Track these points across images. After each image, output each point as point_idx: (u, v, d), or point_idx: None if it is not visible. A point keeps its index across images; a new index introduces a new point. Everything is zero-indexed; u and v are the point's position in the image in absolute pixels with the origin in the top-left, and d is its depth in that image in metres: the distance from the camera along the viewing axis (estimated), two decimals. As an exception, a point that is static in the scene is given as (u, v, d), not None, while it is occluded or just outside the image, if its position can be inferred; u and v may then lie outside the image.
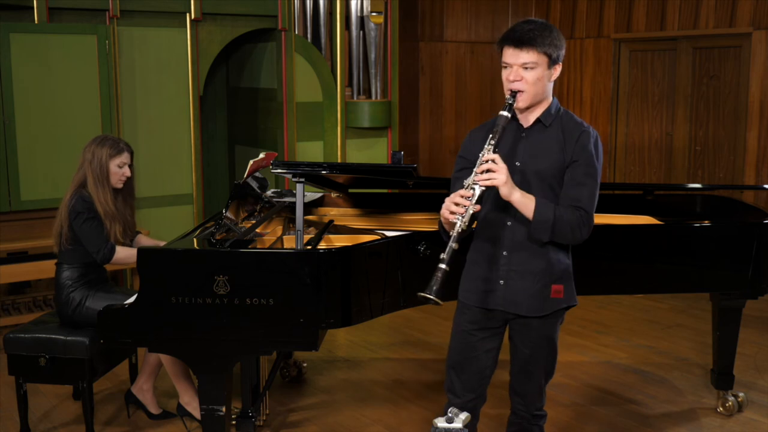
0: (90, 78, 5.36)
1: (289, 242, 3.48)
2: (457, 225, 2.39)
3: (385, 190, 4.91)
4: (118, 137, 3.84)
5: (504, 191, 2.43)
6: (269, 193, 4.07)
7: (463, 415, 2.04)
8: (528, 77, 2.50)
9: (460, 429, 2.01)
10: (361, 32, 6.70)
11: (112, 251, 3.58)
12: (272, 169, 3.29)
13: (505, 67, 2.54)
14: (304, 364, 4.43)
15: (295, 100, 6.40)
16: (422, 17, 8.01)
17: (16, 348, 3.53)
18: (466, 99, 8.13)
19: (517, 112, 2.60)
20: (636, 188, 4.87)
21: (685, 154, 7.09)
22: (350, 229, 3.72)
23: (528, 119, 2.61)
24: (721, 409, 3.96)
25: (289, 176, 3.31)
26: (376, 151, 6.85)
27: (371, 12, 6.61)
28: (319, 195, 4.23)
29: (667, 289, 3.91)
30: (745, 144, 6.62)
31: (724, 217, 4.11)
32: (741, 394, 4.00)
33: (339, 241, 3.47)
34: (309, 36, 6.54)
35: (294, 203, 3.52)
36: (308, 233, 3.52)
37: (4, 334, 3.60)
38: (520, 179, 2.55)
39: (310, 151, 6.60)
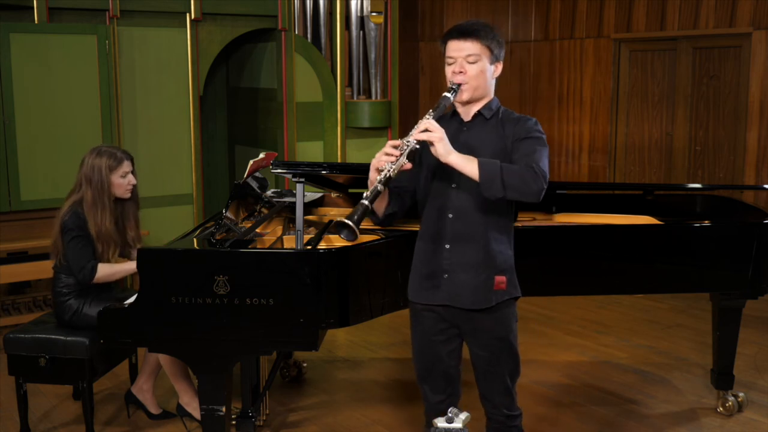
0: (90, 78, 5.36)
1: (289, 242, 3.47)
2: (385, 170, 2.46)
3: (385, 190, 4.89)
4: (114, 146, 3.79)
5: (440, 149, 2.45)
6: (269, 193, 4.07)
7: (463, 415, 2.04)
8: (471, 70, 2.58)
9: (460, 429, 2.01)
10: (361, 32, 6.70)
11: (93, 271, 3.52)
12: (272, 169, 3.30)
13: (450, 63, 2.63)
14: (304, 364, 4.43)
15: (295, 100, 6.40)
16: (422, 17, 8.01)
17: (16, 348, 3.53)
18: (466, 99, 8.12)
19: (458, 106, 2.66)
20: (636, 188, 4.87)
21: (685, 154, 7.09)
22: (350, 229, 3.70)
23: (469, 113, 2.67)
24: (721, 409, 3.96)
25: (289, 176, 3.31)
26: (376, 151, 6.79)
27: (371, 12, 6.61)
28: (319, 195, 4.22)
29: (667, 289, 3.92)
30: (745, 144, 6.61)
31: (724, 217, 4.11)
32: (741, 394, 4.00)
33: (339, 241, 3.46)
34: (309, 36, 6.54)
35: (294, 203, 3.52)
36: (308, 233, 3.52)
37: (4, 334, 3.60)
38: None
39: (310, 151, 6.60)
